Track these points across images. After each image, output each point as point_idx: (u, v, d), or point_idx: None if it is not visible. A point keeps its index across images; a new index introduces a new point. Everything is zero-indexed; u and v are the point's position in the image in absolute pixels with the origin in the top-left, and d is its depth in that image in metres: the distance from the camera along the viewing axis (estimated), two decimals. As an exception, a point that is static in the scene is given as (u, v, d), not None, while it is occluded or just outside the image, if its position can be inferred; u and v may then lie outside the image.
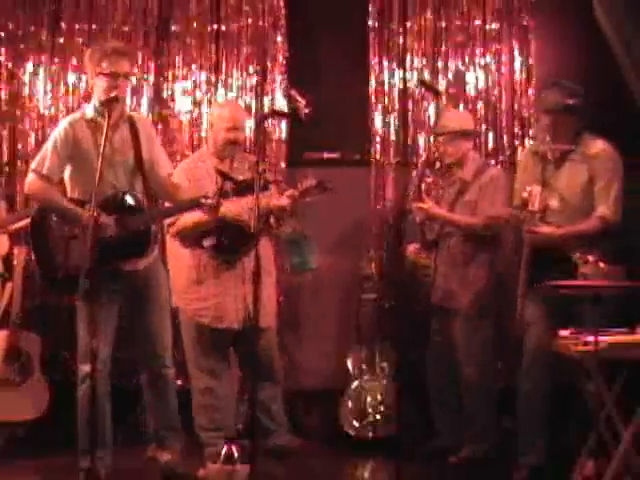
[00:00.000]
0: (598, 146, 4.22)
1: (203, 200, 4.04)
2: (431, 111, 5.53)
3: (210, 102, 5.53)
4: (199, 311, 4.44)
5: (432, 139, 5.44)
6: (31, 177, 4.12)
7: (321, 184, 4.43)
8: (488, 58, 5.54)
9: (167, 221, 4.41)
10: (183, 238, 4.45)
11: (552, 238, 4.16)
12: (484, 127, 5.49)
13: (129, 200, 4.12)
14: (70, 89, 5.53)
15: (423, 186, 5.33)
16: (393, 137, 5.58)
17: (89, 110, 4.17)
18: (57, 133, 4.13)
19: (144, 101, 5.54)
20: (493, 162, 5.39)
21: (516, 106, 5.52)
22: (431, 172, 5.46)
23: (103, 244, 3.88)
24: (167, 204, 4.40)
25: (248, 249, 4.28)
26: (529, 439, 4.21)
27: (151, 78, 5.56)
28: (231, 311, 4.40)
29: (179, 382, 5.13)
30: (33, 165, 4.13)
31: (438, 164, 5.42)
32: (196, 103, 5.59)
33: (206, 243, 4.35)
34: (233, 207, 4.24)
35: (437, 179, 5.42)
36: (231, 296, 4.39)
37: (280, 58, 5.56)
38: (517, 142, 5.49)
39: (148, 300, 4.21)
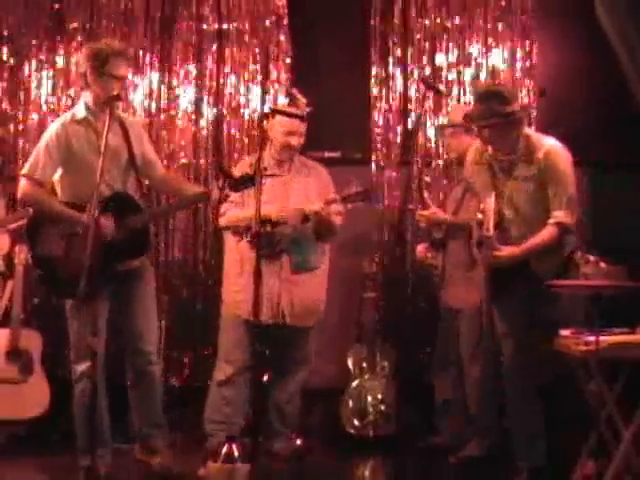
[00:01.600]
0: (544, 148, 4.01)
1: (206, 195, 4.10)
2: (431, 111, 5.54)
3: (209, 102, 5.55)
4: (238, 303, 4.52)
5: (435, 133, 5.47)
6: (24, 182, 4.08)
7: (365, 192, 4.50)
8: (488, 58, 5.54)
9: (216, 214, 4.56)
10: (232, 231, 4.59)
11: (512, 259, 4.00)
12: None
13: (127, 200, 4.12)
14: (71, 88, 5.53)
15: (424, 189, 5.35)
16: (394, 136, 5.58)
17: (80, 110, 4.13)
18: (48, 136, 4.09)
19: (142, 100, 5.56)
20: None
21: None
22: (429, 171, 5.47)
23: (104, 246, 3.90)
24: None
25: (284, 247, 4.47)
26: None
27: (152, 78, 5.56)
28: (265, 306, 4.42)
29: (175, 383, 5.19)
30: (25, 170, 4.09)
31: (434, 163, 5.44)
32: (197, 102, 5.59)
33: (246, 237, 4.43)
34: (276, 208, 4.40)
35: (438, 179, 5.44)
36: (265, 290, 4.40)
37: (282, 57, 5.56)
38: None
39: (136, 297, 4.21)
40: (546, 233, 3.99)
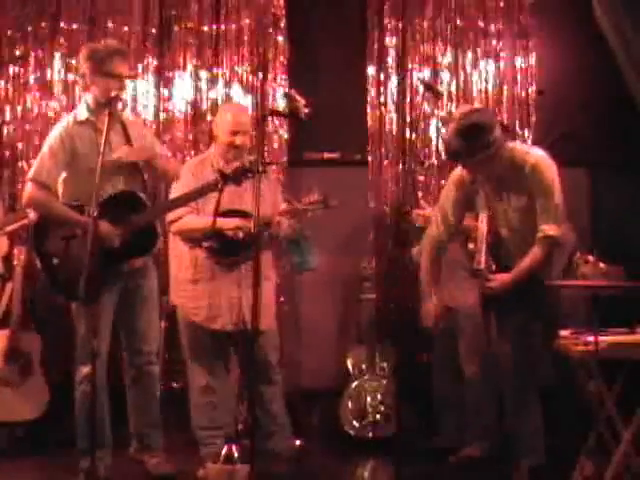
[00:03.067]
0: (530, 162, 3.95)
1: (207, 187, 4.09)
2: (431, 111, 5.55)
3: (208, 103, 5.55)
4: (194, 310, 4.44)
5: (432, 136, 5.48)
6: (30, 187, 4.07)
7: (325, 200, 4.43)
8: (488, 58, 5.54)
9: (168, 218, 4.42)
10: (184, 237, 4.47)
11: (506, 286, 3.99)
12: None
13: (131, 198, 4.11)
14: (70, 89, 5.53)
15: (418, 189, 5.36)
16: (392, 137, 5.58)
17: (82, 111, 4.14)
18: (52, 139, 4.09)
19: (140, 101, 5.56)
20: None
21: (516, 106, 5.53)
22: (422, 170, 5.47)
23: (107, 247, 3.92)
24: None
25: (245, 255, 4.30)
26: None
27: (152, 78, 5.56)
28: (225, 313, 4.40)
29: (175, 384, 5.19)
30: (31, 174, 4.08)
31: (427, 162, 5.44)
32: (196, 103, 5.60)
33: (205, 244, 4.35)
34: (229, 221, 4.29)
35: (435, 179, 5.45)
36: (225, 298, 4.40)
37: (280, 58, 5.56)
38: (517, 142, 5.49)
39: (140, 298, 4.22)
40: (536, 251, 3.94)
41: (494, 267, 4.05)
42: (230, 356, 4.57)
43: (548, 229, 3.91)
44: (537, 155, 3.99)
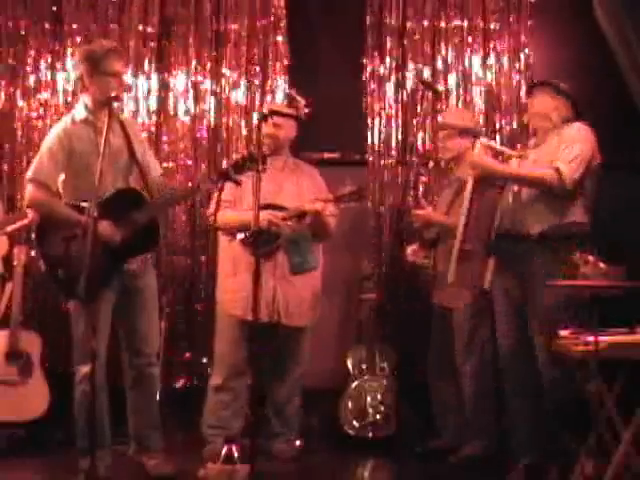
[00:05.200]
0: (571, 125, 4.20)
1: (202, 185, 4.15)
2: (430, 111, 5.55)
3: (208, 103, 5.55)
4: (233, 303, 4.53)
5: (431, 135, 5.48)
6: (30, 188, 4.08)
7: (359, 191, 4.52)
8: (488, 58, 5.54)
9: (208, 212, 4.56)
10: (223, 232, 4.60)
11: (497, 172, 4.23)
12: (483, 128, 5.48)
13: (131, 195, 4.11)
14: (70, 89, 5.53)
15: (420, 187, 5.36)
16: (392, 137, 5.58)
17: (80, 111, 4.14)
18: (51, 140, 4.09)
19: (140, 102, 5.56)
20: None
21: (516, 106, 5.52)
22: (425, 171, 5.47)
23: (109, 246, 3.94)
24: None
25: (272, 247, 4.46)
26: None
27: (150, 79, 5.56)
28: (261, 304, 4.42)
29: (181, 382, 5.20)
30: (30, 175, 4.08)
31: (432, 163, 5.44)
32: (195, 103, 5.59)
33: (239, 236, 4.47)
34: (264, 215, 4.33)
35: (435, 178, 5.44)
36: (262, 289, 4.41)
37: (280, 59, 5.56)
38: (517, 142, 5.49)
39: (140, 298, 4.21)
40: (540, 170, 4.11)
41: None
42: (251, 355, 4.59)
43: (561, 164, 4.05)
44: (582, 124, 4.22)
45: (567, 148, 4.10)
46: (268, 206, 4.41)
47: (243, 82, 5.59)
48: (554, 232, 4.09)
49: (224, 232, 4.62)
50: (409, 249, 4.93)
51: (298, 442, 4.77)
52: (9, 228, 4.91)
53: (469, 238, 4.34)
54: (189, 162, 5.57)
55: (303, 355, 4.71)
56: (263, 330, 4.38)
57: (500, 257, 4.27)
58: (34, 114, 5.55)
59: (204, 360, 5.38)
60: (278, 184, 4.60)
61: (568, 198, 4.11)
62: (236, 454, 3.87)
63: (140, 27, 5.54)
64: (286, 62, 5.56)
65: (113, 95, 3.98)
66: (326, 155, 5.55)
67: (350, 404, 5.04)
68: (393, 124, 5.59)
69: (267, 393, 4.67)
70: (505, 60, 5.53)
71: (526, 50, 5.51)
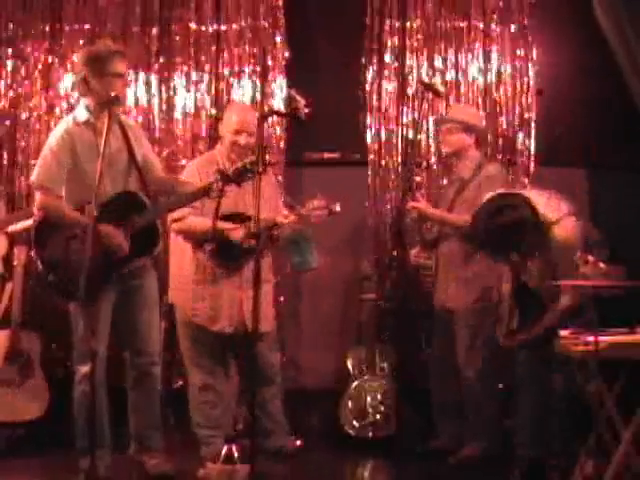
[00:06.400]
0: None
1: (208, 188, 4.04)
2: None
3: (207, 103, 5.55)
4: (194, 310, 4.46)
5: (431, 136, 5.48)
6: (39, 193, 4.06)
7: (328, 207, 4.42)
8: (488, 58, 5.53)
9: (171, 216, 4.41)
10: (186, 237, 4.48)
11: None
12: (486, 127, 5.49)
13: (131, 198, 4.11)
14: (70, 89, 5.52)
15: (414, 185, 5.37)
16: (392, 137, 5.58)
17: (81, 113, 4.12)
18: (54, 142, 4.07)
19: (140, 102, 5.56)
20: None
21: (516, 106, 5.52)
22: (420, 170, 5.47)
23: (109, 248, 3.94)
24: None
25: (245, 258, 4.34)
26: None
27: (150, 79, 5.56)
28: (225, 314, 4.42)
29: (180, 383, 5.18)
30: (37, 180, 4.06)
31: (425, 163, 5.44)
32: (196, 103, 5.59)
33: (207, 247, 4.34)
34: (231, 225, 4.30)
35: (430, 178, 5.45)
36: (226, 300, 4.41)
37: (280, 58, 5.56)
38: (518, 142, 5.49)
39: (140, 298, 4.21)
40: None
41: None
42: (229, 358, 4.57)
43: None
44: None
45: None
46: (232, 215, 4.32)
47: (243, 82, 5.59)
48: None
49: (185, 237, 4.48)
50: (412, 252, 4.91)
51: (298, 442, 4.76)
52: (11, 228, 4.91)
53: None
54: (188, 162, 5.55)
55: (274, 357, 4.61)
56: (228, 340, 4.40)
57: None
58: (34, 114, 5.55)
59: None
60: (241, 192, 4.33)
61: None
62: (236, 454, 3.87)
63: (140, 27, 5.54)
64: (285, 62, 5.56)
65: (114, 95, 3.98)
66: (326, 155, 5.55)
67: (350, 404, 5.04)
68: (393, 124, 5.58)
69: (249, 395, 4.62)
70: (505, 60, 5.52)
71: (526, 50, 5.51)
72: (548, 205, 4.08)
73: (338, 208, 4.44)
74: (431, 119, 5.49)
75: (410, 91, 5.57)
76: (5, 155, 5.54)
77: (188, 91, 5.59)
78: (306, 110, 4.13)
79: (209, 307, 4.42)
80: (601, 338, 3.62)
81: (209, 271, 4.42)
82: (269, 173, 4.60)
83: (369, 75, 5.58)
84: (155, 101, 5.59)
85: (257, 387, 4.44)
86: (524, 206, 4.02)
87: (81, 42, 5.49)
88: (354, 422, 5.00)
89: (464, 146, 4.77)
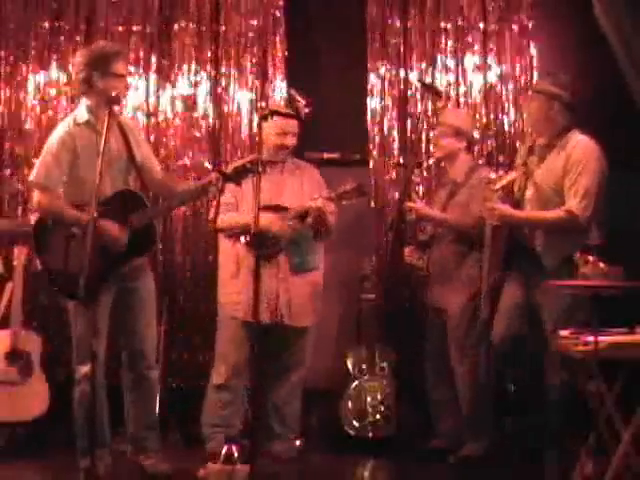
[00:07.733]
0: (577, 142, 4.21)
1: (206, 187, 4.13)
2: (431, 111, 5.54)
3: (207, 104, 5.55)
4: (235, 305, 4.54)
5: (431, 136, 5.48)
6: (36, 192, 4.08)
7: (359, 188, 4.55)
8: (488, 58, 5.53)
9: (210, 217, 4.59)
10: (225, 235, 4.62)
11: (513, 218, 4.23)
12: (483, 128, 5.48)
13: (131, 197, 4.12)
14: (69, 90, 5.52)
15: (413, 185, 5.37)
16: (393, 137, 5.58)
17: (81, 113, 4.13)
18: (54, 142, 4.08)
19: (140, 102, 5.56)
20: (493, 162, 5.40)
21: (516, 106, 5.52)
22: (419, 171, 5.47)
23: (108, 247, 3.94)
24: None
25: (277, 249, 4.49)
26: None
27: (150, 79, 5.56)
28: (263, 306, 4.43)
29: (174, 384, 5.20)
30: (35, 179, 4.08)
31: (425, 163, 5.45)
32: (195, 103, 5.59)
33: (243, 239, 4.49)
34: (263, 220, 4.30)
35: (427, 179, 5.45)
36: (264, 291, 4.40)
37: (280, 58, 5.56)
38: (518, 142, 5.48)
39: (138, 299, 4.22)
40: (553, 213, 4.16)
41: None
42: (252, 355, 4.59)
43: (572, 203, 4.11)
44: (588, 141, 4.26)
45: (576, 181, 4.12)
46: (270, 207, 4.41)
47: (243, 82, 5.58)
48: (567, 259, 4.09)
49: (226, 235, 4.62)
50: (406, 250, 4.94)
51: (298, 442, 4.77)
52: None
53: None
54: (188, 163, 5.56)
55: (305, 356, 4.72)
56: (265, 331, 4.39)
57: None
58: (34, 113, 5.55)
59: (203, 360, 5.37)
60: (279, 185, 4.62)
61: (583, 229, 4.16)
62: (236, 454, 3.87)
63: (140, 27, 5.54)
64: (286, 62, 5.55)
65: (114, 95, 3.98)
66: (326, 155, 5.55)
67: (350, 404, 5.04)
68: (393, 124, 5.58)
69: (267, 394, 4.66)
70: (505, 60, 5.52)
71: (526, 50, 5.51)
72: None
73: (367, 190, 4.73)
74: (431, 119, 5.50)
75: (410, 91, 5.57)
76: (5, 155, 5.53)
77: (187, 92, 5.59)
78: (306, 110, 4.13)
79: (248, 299, 4.43)
80: (601, 338, 3.62)
81: (247, 264, 4.48)
82: (312, 169, 4.79)
83: (369, 75, 5.58)
84: (155, 101, 5.58)
85: (275, 385, 4.51)
86: None
87: (78, 40, 5.49)
88: (354, 422, 5.00)
89: (454, 150, 4.80)
